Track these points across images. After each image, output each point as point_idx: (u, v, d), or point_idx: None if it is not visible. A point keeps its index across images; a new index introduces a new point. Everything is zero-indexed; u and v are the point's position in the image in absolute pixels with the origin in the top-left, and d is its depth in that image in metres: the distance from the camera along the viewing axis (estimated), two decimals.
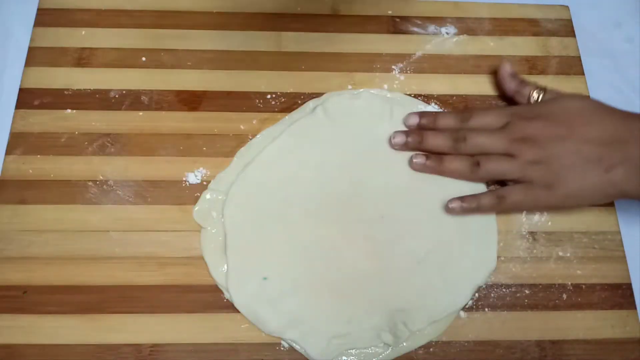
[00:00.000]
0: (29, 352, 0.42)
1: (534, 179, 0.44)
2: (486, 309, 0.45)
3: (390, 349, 0.43)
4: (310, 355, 0.43)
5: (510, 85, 0.50)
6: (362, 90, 0.52)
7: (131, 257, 0.45)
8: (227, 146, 0.49)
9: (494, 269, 0.46)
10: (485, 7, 0.57)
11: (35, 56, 0.52)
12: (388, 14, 0.56)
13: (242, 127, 0.50)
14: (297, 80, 0.52)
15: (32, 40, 0.53)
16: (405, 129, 0.49)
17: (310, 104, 0.51)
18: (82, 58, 0.52)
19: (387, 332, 0.43)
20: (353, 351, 0.43)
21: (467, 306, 0.45)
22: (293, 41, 0.54)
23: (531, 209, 0.47)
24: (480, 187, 0.48)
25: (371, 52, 0.54)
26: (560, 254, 0.47)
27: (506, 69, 0.50)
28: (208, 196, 0.47)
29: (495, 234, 0.47)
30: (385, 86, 0.52)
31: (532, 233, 0.48)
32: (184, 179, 0.48)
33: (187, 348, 0.43)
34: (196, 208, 0.47)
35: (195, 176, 0.48)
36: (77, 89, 0.51)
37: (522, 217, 0.48)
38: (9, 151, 0.48)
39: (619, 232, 0.48)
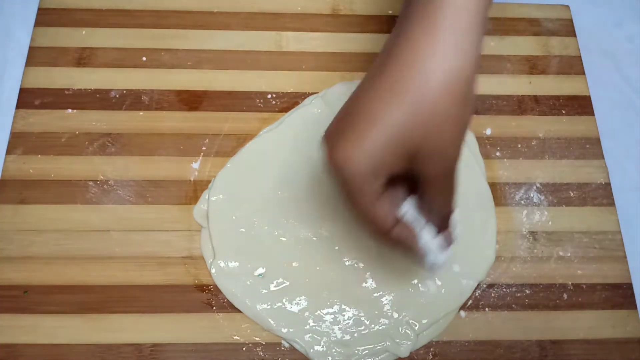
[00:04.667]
0: (29, 352, 0.42)
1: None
2: (487, 309, 0.45)
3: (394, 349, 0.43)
4: (310, 355, 0.43)
5: None
6: None
7: (131, 257, 0.45)
8: (228, 146, 0.49)
9: (493, 262, 0.46)
10: None
11: (36, 56, 0.52)
12: (388, 13, 0.56)
13: (242, 127, 0.50)
14: (297, 80, 0.52)
15: (32, 40, 0.53)
16: None
17: (310, 98, 0.51)
18: (83, 58, 0.52)
19: (390, 336, 0.43)
20: (357, 351, 0.43)
21: (467, 306, 0.45)
22: (293, 41, 0.54)
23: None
24: (482, 182, 0.48)
25: (372, 52, 0.54)
26: (561, 253, 0.47)
27: None
28: (208, 196, 0.47)
29: (494, 227, 0.47)
30: None
31: (532, 233, 0.48)
32: (184, 178, 0.48)
33: (188, 348, 0.43)
34: (196, 208, 0.47)
35: (196, 176, 0.48)
36: (77, 89, 0.51)
37: (523, 217, 0.48)
38: (9, 151, 0.48)
39: (619, 232, 0.48)
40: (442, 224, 0.36)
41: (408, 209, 0.36)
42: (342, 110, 0.34)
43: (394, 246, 0.36)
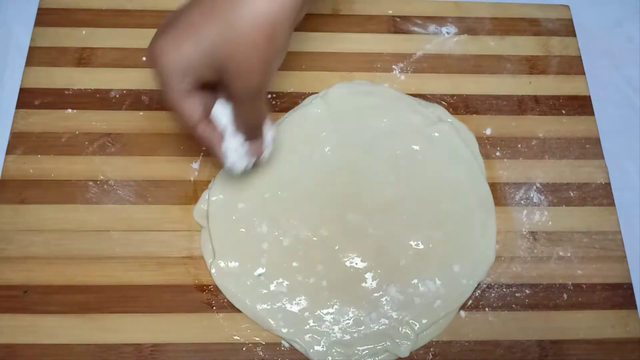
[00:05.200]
0: (29, 352, 0.42)
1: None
2: (486, 309, 0.45)
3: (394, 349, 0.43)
4: (310, 355, 0.43)
5: None
6: (363, 82, 0.52)
7: (131, 257, 0.45)
8: None
9: (493, 262, 0.46)
10: (486, 6, 0.56)
11: (36, 56, 0.52)
12: (389, 13, 0.56)
13: None
14: (297, 80, 0.52)
15: (32, 40, 0.53)
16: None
17: (310, 98, 0.51)
18: (83, 58, 0.52)
19: (390, 336, 0.43)
20: (357, 351, 0.43)
21: (467, 306, 0.45)
22: (293, 41, 0.54)
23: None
24: (482, 182, 0.48)
25: (372, 52, 0.54)
26: (561, 253, 0.47)
27: None
28: (208, 196, 0.47)
29: (494, 227, 0.47)
30: (386, 86, 0.52)
31: (532, 233, 0.48)
32: (184, 178, 0.48)
33: (187, 348, 0.43)
34: (196, 208, 0.47)
35: (196, 176, 0.48)
36: (77, 89, 0.51)
37: (523, 217, 0.48)
38: (9, 151, 0.48)
39: (619, 232, 0.48)
40: (252, 134, 0.41)
41: (218, 112, 0.40)
42: (174, 14, 0.38)
43: (200, 143, 0.41)
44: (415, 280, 0.45)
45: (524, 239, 0.47)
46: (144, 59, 0.52)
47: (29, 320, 0.43)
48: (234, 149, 0.41)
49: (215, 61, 0.36)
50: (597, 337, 0.44)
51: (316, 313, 0.44)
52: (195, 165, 0.49)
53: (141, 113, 0.50)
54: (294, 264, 0.45)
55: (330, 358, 0.42)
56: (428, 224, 0.47)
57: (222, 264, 0.45)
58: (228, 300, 0.44)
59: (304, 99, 0.51)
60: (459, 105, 0.52)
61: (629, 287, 0.46)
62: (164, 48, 0.37)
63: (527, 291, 0.46)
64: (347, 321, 0.44)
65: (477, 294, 0.45)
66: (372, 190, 0.48)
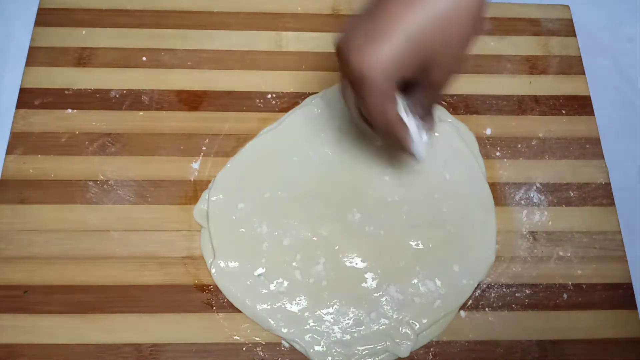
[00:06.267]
0: (29, 352, 0.42)
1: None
2: (487, 309, 0.45)
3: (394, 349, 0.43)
4: (310, 355, 0.43)
5: None
6: None
7: (131, 257, 0.45)
8: (227, 146, 0.49)
9: (493, 262, 0.46)
10: None
11: (36, 56, 0.52)
12: None
13: (242, 127, 0.50)
14: (297, 80, 0.52)
15: (32, 40, 0.53)
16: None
17: (310, 98, 0.51)
18: (83, 58, 0.52)
19: (390, 336, 0.43)
20: (357, 351, 0.43)
21: (467, 306, 0.45)
22: (293, 41, 0.54)
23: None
24: (482, 182, 0.48)
25: None
26: (561, 253, 0.47)
27: None
28: (208, 196, 0.47)
29: (494, 227, 0.47)
30: None
31: (532, 233, 0.48)
32: (184, 178, 0.48)
33: (187, 348, 0.43)
34: (196, 208, 0.47)
35: (196, 176, 0.48)
36: (77, 89, 0.51)
37: (523, 217, 0.48)
38: (9, 151, 0.48)
39: (619, 232, 0.48)
40: (429, 111, 0.41)
41: (402, 105, 0.39)
42: (361, 17, 0.35)
43: (390, 138, 0.39)
44: (415, 280, 0.45)
45: (524, 239, 0.47)
46: (144, 58, 0.52)
47: (29, 320, 0.43)
48: (418, 134, 0.41)
49: (421, 52, 0.34)
50: (597, 337, 0.44)
51: (316, 313, 0.44)
52: (195, 165, 0.49)
53: (141, 113, 0.50)
54: (294, 264, 0.45)
55: (330, 358, 0.42)
56: (428, 224, 0.47)
57: (222, 264, 0.45)
58: (228, 300, 0.44)
59: (304, 99, 0.51)
60: (459, 105, 0.52)
61: (629, 287, 0.46)
62: (371, 54, 0.33)
63: (527, 291, 0.46)
64: (347, 321, 0.44)
65: (477, 294, 0.45)
66: (372, 190, 0.48)
